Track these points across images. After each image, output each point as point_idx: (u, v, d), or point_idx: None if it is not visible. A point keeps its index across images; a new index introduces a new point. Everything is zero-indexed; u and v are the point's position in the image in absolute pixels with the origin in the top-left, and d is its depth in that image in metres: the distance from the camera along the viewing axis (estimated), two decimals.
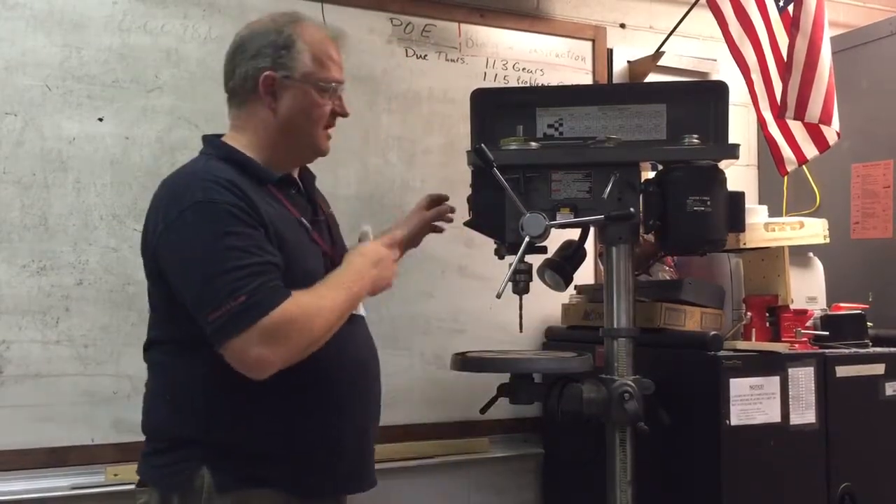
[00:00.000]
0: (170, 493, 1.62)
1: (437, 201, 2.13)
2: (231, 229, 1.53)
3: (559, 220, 1.95)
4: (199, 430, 1.61)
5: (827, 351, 2.27)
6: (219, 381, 1.58)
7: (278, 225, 1.62)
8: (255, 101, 1.69)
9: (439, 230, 2.15)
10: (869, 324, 2.40)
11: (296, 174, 1.82)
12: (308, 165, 1.86)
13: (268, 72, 1.67)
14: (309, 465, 1.66)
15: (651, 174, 2.09)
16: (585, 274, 2.66)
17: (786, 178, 2.84)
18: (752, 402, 2.12)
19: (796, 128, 2.54)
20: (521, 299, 1.97)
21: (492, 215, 1.98)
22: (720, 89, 2.06)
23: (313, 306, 1.56)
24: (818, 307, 2.45)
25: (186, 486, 1.60)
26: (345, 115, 1.79)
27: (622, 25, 3.06)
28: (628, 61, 3.01)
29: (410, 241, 2.09)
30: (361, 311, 1.77)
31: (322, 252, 1.75)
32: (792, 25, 2.37)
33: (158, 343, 1.69)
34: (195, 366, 1.60)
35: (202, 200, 1.55)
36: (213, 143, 1.74)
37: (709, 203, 1.94)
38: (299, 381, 1.61)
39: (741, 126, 3.02)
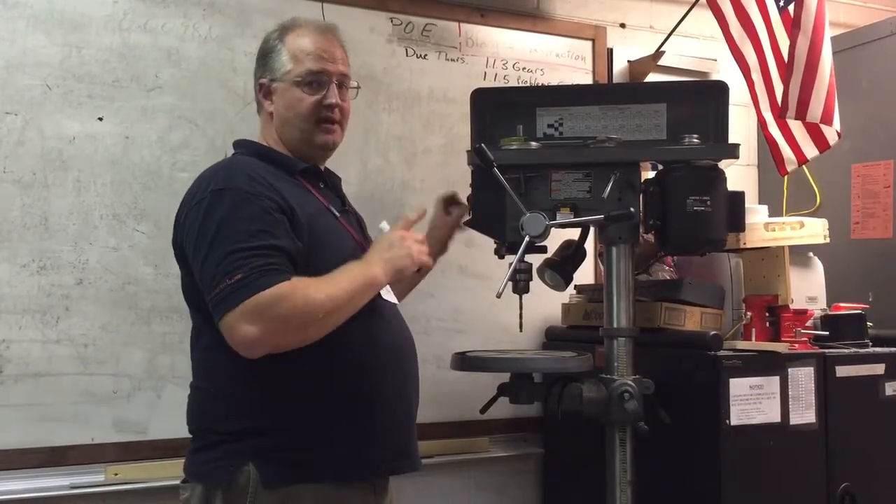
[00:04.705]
0: (213, 489, 1.62)
1: (450, 199, 2.13)
2: (243, 213, 1.59)
3: (559, 219, 1.95)
4: (242, 422, 1.62)
5: (827, 351, 2.27)
6: (255, 370, 1.60)
7: (307, 209, 1.68)
8: (264, 106, 1.85)
9: (461, 228, 2.13)
10: (869, 324, 2.40)
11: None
12: (333, 170, 1.94)
13: (262, 79, 1.83)
14: (350, 448, 1.67)
15: (651, 174, 2.09)
16: (585, 274, 2.66)
17: (786, 178, 2.83)
18: (751, 402, 2.12)
19: (796, 128, 2.54)
20: (521, 299, 1.97)
21: (492, 215, 1.99)
22: (720, 89, 2.06)
23: (313, 289, 1.57)
24: (818, 307, 2.45)
25: (231, 483, 1.60)
26: (332, 104, 1.79)
27: (622, 25, 3.06)
28: (628, 61, 3.01)
29: (439, 247, 2.11)
30: (392, 298, 1.80)
31: (351, 236, 1.81)
32: (793, 25, 2.37)
33: (196, 337, 1.73)
34: (232, 356, 1.60)
35: (221, 188, 1.63)
36: (241, 142, 1.87)
37: (709, 203, 1.94)
38: (335, 366, 1.65)
39: (741, 126, 3.02)
